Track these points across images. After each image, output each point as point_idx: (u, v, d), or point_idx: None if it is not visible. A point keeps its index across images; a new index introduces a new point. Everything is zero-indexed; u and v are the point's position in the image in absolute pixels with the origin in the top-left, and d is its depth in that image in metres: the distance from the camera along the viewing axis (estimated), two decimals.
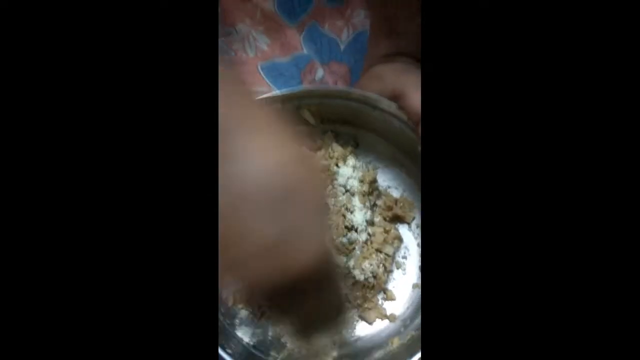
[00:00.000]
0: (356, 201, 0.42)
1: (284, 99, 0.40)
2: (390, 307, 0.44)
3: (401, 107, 0.37)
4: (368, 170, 0.44)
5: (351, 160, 0.44)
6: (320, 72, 0.52)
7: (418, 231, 0.45)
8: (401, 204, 0.44)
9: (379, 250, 0.42)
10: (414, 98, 0.35)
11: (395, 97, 0.37)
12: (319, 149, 0.44)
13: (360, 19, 0.51)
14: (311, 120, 0.43)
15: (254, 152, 0.23)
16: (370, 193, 0.43)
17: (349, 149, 0.44)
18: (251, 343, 0.43)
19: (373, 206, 0.44)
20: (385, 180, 0.46)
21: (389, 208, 0.44)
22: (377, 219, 0.44)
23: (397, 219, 0.44)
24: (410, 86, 0.36)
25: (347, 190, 0.42)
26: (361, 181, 0.43)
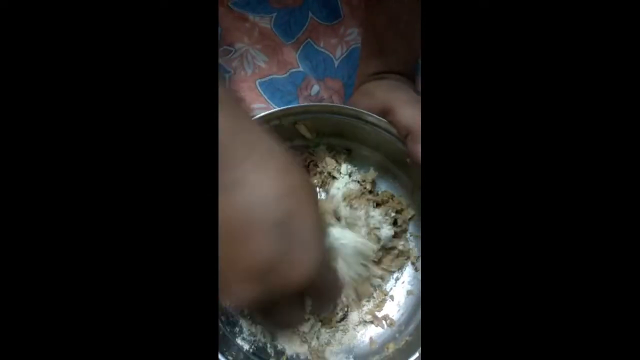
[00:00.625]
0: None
1: (280, 115, 0.42)
2: (385, 311, 0.46)
3: (390, 122, 0.39)
4: (367, 172, 0.46)
5: (345, 167, 0.46)
6: (315, 88, 0.54)
7: (411, 239, 0.47)
8: (397, 201, 0.46)
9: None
10: (402, 113, 0.37)
11: (385, 113, 0.39)
12: (313, 162, 0.46)
13: (354, 36, 0.53)
14: (307, 134, 0.45)
15: (255, 182, 0.24)
16: (372, 191, 0.45)
17: (342, 157, 0.46)
18: (251, 350, 0.45)
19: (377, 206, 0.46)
20: (380, 189, 0.47)
21: (385, 201, 0.45)
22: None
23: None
24: (398, 102, 0.37)
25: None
26: (363, 181, 0.45)
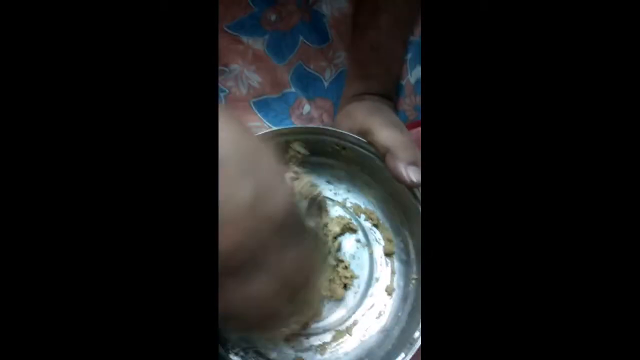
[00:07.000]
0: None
1: (269, 137, 0.44)
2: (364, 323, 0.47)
3: (369, 142, 0.41)
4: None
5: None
6: (307, 107, 0.56)
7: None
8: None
9: None
10: (379, 134, 0.39)
11: (364, 133, 0.41)
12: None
13: (341, 59, 0.56)
14: (302, 150, 0.47)
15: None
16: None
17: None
18: None
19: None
20: (363, 204, 0.50)
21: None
22: None
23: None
24: (376, 124, 0.40)
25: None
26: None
